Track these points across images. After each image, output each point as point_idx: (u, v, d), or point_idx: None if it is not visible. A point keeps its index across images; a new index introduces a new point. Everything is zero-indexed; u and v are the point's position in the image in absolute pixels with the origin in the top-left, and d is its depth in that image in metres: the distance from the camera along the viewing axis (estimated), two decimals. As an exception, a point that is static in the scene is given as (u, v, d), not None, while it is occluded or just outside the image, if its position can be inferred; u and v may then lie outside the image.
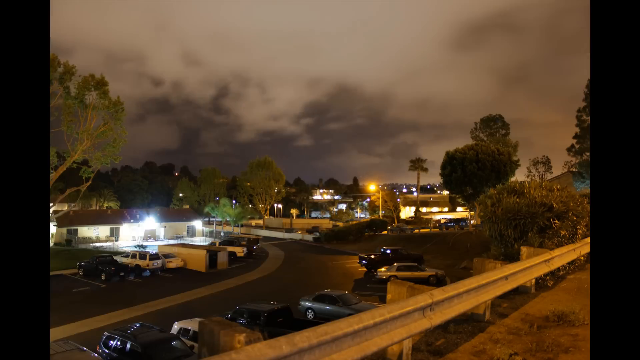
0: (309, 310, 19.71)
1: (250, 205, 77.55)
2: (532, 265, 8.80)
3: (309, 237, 61.46)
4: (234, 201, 78.48)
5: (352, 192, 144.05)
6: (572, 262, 11.94)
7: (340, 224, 76.94)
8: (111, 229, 60.55)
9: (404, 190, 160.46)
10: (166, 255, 36.05)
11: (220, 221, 79.12)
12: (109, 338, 13.03)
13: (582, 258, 12.91)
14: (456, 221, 66.98)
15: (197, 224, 70.78)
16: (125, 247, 50.05)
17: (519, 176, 51.97)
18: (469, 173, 42.70)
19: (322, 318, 17.95)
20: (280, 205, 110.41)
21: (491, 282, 6.95)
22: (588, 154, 40.19)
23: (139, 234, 61.37)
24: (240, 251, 42.64)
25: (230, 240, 47.79)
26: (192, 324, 14.44)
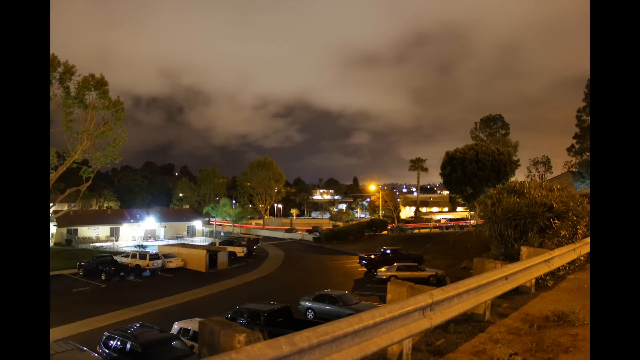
0: (309, 310, 19.71)
1: (250, 205, 77.58)
2: (532, 265, 8.80)
3: (309, 237, 61.40)
4: (234, 201, 78.51)
5: (352, 192, 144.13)
6: (572, 262, 11.94)
7: (340, 224, 76.87)
8: (111, 229, 60.55)
9: (404, 190, 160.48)
10: (166, 255, 36.02)
11: (220, 221, 79.16)
12: (109, 338, 13.02)
13: (582, 258, 12.90)
14: (456, 221, 67.00)
15: (197, 224, 70.75)
16: (125, 247, 50.03)
17: (519, 176, 52.08)
18: (469, 173, 42.70)
19: (322, 318, 17.94)
20: (280, 205, 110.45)
21: (491, 282, 6.95)
22: (588, 154, 40.23)
23: (139, 234, 61.35)
24: (240, 251, 42.62)
25: (230, 240, 47.74)
26: (192, 324, 14.43)
